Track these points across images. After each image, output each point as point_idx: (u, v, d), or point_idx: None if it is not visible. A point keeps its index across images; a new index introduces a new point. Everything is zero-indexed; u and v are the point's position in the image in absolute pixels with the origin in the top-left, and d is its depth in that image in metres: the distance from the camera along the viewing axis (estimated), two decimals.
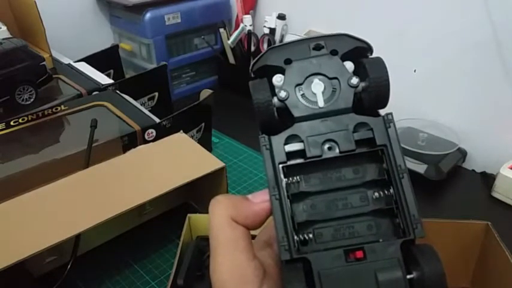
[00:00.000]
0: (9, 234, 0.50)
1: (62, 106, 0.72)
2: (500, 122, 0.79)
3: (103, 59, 0.96)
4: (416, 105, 0.88)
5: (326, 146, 0.23)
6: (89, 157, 0.62)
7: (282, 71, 0.24)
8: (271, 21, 1.08)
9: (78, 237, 0.55)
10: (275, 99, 0.23)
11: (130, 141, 0.67)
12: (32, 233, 0.50)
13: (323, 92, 0.23)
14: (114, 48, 1.01)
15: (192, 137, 0.80)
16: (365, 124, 0.23)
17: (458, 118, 0.84)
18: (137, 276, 0.62)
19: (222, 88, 1.17)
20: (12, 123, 0.68)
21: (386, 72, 0.23)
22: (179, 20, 1.07)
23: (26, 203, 0.55)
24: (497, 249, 0.48)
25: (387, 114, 0.23)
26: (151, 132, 0.69)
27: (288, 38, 1.07)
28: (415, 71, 0.88)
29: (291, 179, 0.23)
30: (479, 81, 0.79)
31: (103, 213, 0.52)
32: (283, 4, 1.09)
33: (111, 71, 0.99)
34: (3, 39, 0.74)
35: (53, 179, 0.58)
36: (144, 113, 0.73)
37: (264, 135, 0.23)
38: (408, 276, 0.20)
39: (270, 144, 0.23)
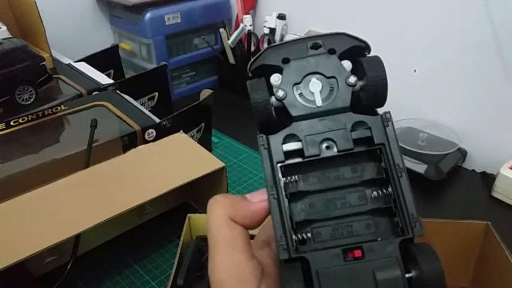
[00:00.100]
0: (9, 234, 0.50)
1: (62, 106, 0.72)
2: (500, 122, 0.79)
3: (103, 59, 0.96)
4: (416, 105, 0.88)
5: (324, 145, 0.23)
6: (89, 157, 0.62)
7: (279, 70, 0.24)
8: (271, 21, 1.08)
9: (78, 237, 0.55)
10: (273, 99, 0.23)
11: (130, 141, 0.67)
12: (32, 233, 0.50)
13: (321, 91, 0.23)
14: (114, 48, 1.01)
15: (192, 137, 0.80)
16: (363, 123, 0.23)
17: (458, 118, 0.84)
18: (137, 276, 0.62)
19: (222, 88, 1.17)
20: (12, 123, 0.68)
21: (384, 70, 0.23)
22: (179, 20, 1.07)
23: (26, 203, 0.55)
24: (497, 249, 0.48)
25: (385, 113, 0.23)
26: (151, 132, 0.69)
27: (288, 38, 1.07)
28: (415, 71, 0.88)
29: (289, 178, 0.23)
30: (479, 81, 0.79)
31: (103, 213, 0.52)
32: (283, 4, 1.09)
33: (111, 71, 0.99)
34: (3, 39, 0.74)
35: (53, 179, 0.58)
36: (144, 113, 0.73)
37: (262, 134, 0.23)
38: (407, 275, 0.20)
39: (268, 144, 0.23)
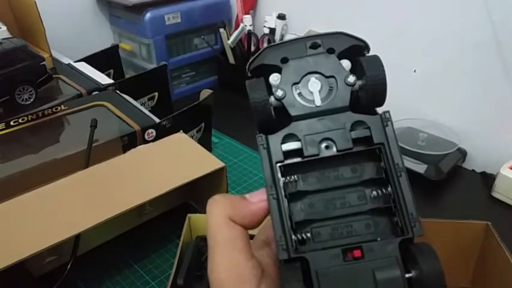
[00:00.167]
0: (9, 234, 0.50)
1: (62, 106, 0.72)
2: (500, 122, 0.79)
3: (103, 59, 0.96)
4: (416, 105, 0.88)
5: (323, 144, 0.23)
6: (88, 157, 0.62)
7: (278, 70, 0.24)
8: (271, 21, 1.08)
9: (78, 237, 0.55)
10: (272, 98, 0.23)
11: (130, 141, 0.67)
12: (32, 233, 0.50)
13: (320, 91, 0.23)
14: (114, 48, 1.01)
15: (192, 137, 0.80)
16: (362, 122, 0.23)
17: (458, 118, 0.84)
18: (137, 276, 0.62)
19: (222, 88, 1.17)
20: (12, 123, 0.68)
21: (383, 70, 0.23)
22: (179, 20, 1.07)
23: (26, 203, 0.55)
24: (497, 249, 0.48)
25: (384, 113, 0.23)
26: (151, 132, 0.69)
27: (288, 38, 1.07)
28: (415, 71, 0.88)
29: (288, 178, 0.23)
30: (479, 81, 0.79)
31: (103, 213, 0.52)
32: (283, 4, 1.09)
33: (111, 71, 0.99)
34: (3, 39, 0.74)
35: (53, 179, 0.58)
36: (144, 113, 0.73)
37: (261, 134, 0.23)
38: (407, 275, 0.20)
39: (267, 143, 0.23)
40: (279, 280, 0.23)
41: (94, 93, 0.78)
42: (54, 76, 0.80)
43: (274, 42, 1.06)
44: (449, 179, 0.78)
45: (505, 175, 0.73)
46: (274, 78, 0.24)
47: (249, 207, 0.23)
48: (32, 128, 0.69)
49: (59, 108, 0.72)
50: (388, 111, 0.23)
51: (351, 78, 0.23)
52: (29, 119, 0.69)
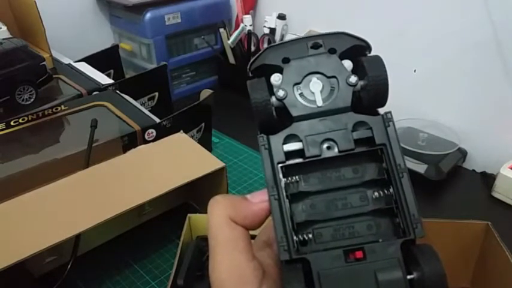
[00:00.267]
0: (9, 234, 0.50)
1: (62, 106, 0.72)
2: (500, 122, 0.79)
3: (103, 59, 0.96)
4: (416, 105, 0.88)
5: (325, 145, 0.23)
6: (88, 157, 0.62)
7: (280, 70, 0.24)
8: (271, 21, 1.08)
9: (78, 237, 0.55)
10: (273, 99, 0.23)
11: (130, 141, 0.67)
12: (32, 233, 0.50)
13: (321, 91, 0.23)
14: (114, 48, 1.01)
15: (192, 137, 0.80)
16: (364, 123, 0.23)
17: (458, 118, 0.84)
18: (137, 276, 0.62)
19: (222, 88, 1.17)
20: (12, 123, 0.68)
21: (385, 70, 0.23)
22: (179, 20, 1.06)
23: (26, 203, 0.55)
24: (497, 249, 0.48)
25: (386, 113, 0.23)
26: (151, 132, 0.69)
27: (288, 38, 1.07)
28: (415, 70, 0.88)
29: (289, 178, 0.22)
30: (479, 81, 0.79)
31: (103, 213, 0.52)
32: (283, 4, 1.09)
33: (111, 71, 0.99)
34: (3, 39, 0.74)
35: (53, 179, 0.58)
36: (144, 113, 0.73)
37: (262, 134, 0.23)
38: (408, 277, 0.20)
39: (269, 144, 0.23)
40: (280, 281, 0.23)
41: (94, 93, 0.78)
42: (54, 76, 0.80)
43: (275, 42, 1.06)
44: (449, 179, 0.78)
45: (505, 175, 0.73)
46: (275, 78, 0.24)
47: (250, 207, 0.23)
48: (32, 128, 0.69)
49: (59, 108, 0.72)
50: (389, 112, 0.23)
51: (353, 79, 0.23)
52: (29, 119, 0.69)
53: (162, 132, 0.70)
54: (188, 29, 1.10)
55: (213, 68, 1.19)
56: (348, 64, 0.24)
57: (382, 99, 0.23)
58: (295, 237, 0.22)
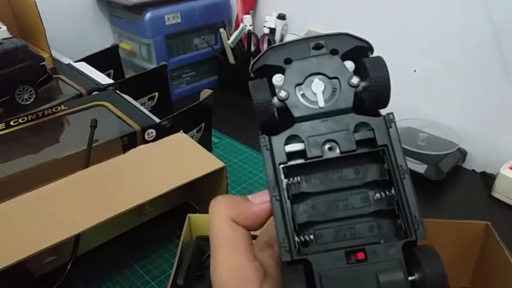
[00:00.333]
0: (9, 234, 0.50)
1: (62, 106, 0.72)
2: (500, 122, 0.79)
3: (103, 59, 0.96)
4: (416, 105, 0.88)
5: (327, 146, 0.23)
6: (89, 157, 0.62)
7: (282, 71, 0.24)
8: (271, 21, 1.08)
9: (78, 237, 0.55)
10: (275, 99, 0.23)
11: (130, 141, 0.67)
12: (32, 233, 0.50)
13: (323, 92, 0.23)
14: (114, 48, 1.01)
15: (192, 137, 0.80)
16: (366, 124, 0.23)
17: (458, 118, 0.84)
18: (137, 276, 0.62)
19: (222, 88, 1.17)
20: (12, 123, 0.68)
21: (387, 71, 0.23)
22: (179, 20, 1.06)
23: (26, 203, 0.55)
24: (497, 249, 0.48)
25: (388, 114, 0.23)
26: (151, 132, 0.69)
27: (288, 38, 1.07)
28: (415, 71, 0.88)
29: (291, 179, 0.22)
30: (479, 81, 0.79)
31: (103, 213, 0.52)
32: (283, 4, 1.09)
33: (111, 71, 0.99)
34: (3, 39, 0.74)
35: (53, 179, 0.58)
36: (144, 113, 0.73)
37: (264, 135, 0.23)
38: (410, 278, 0.20)
39: (271, 145, 0.23)
40: (282, 282, 0.22)
41: (94, 93, 0.78)
42: (54, 76, 0.80)
43: (274, 42, 1.06)
44: (449, 179, 0.78)
45: (505, 175, 0.73)
46: (277, 79, 0.23)
47: (252, 208, 0.23)
48: (32, 128, 0.69)
49: (59, 108, 0.72)
50: (391, 113, 0.23)
51: (355, 80, 0.23)
52: (29, 119, 0.69)
53: (162, 132, 0.70)
54: (188, 29, 1.10)
55: (213, 68, 1.19)
56: (349, 65, 0.24)
57: (384, 100, 0.23)
58: (296, 238, 0.22)
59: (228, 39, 1.09)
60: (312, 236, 0.22)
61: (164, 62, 0.92)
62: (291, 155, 0.23)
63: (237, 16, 1.15)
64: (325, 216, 0.22)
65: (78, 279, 0.61)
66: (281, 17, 1.07)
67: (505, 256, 0.46)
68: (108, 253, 0.64)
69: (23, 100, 0.73)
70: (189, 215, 0.56)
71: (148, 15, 1.01)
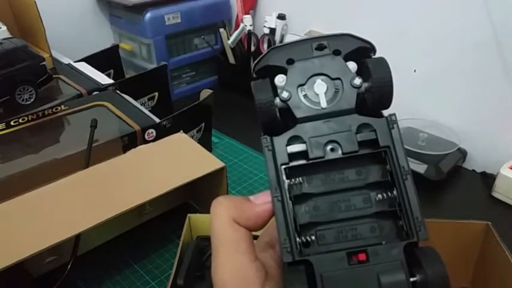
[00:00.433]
0: (9, 234, 0.50)
1: (62, 106, 0.72)
2: (500, 122, 0.79)
3: (103, 59, 0.96)
4: (416, 105, 0.88)
5: (329, 147, 0.22)
6: (89, 157, 0.62)
7: (284, 71, 0.23)
8: (271, 21, 1.08)
9: (78, 237, 0.55)
10: (277, 100, 0.23)
11: (130, 141, 0.67)
12: (32, 233, 0.50)
13: (325, 93, 0.23)
14: (114, 48, 1.01)
15: (192, 137, 0.80)
16: (368, 125, 0.22)
17: (458, 118, 0.84)
18: (137, 276, 0.62)
19: (222, 88, 1.17)
20: (12, 123, 0.68)
21: (390, 72, 0.23)
22: (179, 20, 1.06)
23: (26, 203, 0.55)
24: (497, 249, 0.48)
25: (390, 115, 0.22)
26: (151, 132, 0.69)
27: (288, 38, 1.07)
28: (415, 71, 0.88)
29: (293, 180, 0.22)
30: (479, 81, 0.79)
31: (103, 213, 0.52)
32: (283, 4, 1.09)
33: (111, 71, 0.99)
34: (3, 39, 0.74)
35: (53, 179, 0.58)
36: (144, 113, 0.73)
37: (266, 136, 0.23)
38: (411, 279, 0.20)
39: (272, 145, 0.23)
40: (283, 282, 0.22)
41: (94, 93, 0.78)
42: (54, 76, 0.80)
43: (274, 42, 1.06)
44: (449, 179, 0.78)
45: (505, 175, 0.73)
46: (279, 79, 0.23)
47: (253, 209, 0.23)
48: (32, 128, 0.69)
49: (59, 108, 0.72)
50: (394, 114, 0.22)
51: (357, 81, 0.23)
52: (29, 119, 0.69)
53: (162, 132, 0.70)
54: (188, 29, 1.10)
55: (213, 68, 1.19)
56: (352, 66, 0.23)
57: (387, 101, 0.23)
58: (298, 239, 0.21)
59: (228, 39, 1.09)
60: (313, 237, 0.22)
61: (164, 62, 0.92)
62: (293, 156, 0.23)
63: (237, 16, 1.15)
64: (326, 217, 0.22)
65: (78, 279, 0.61)
66: (281, 17, 1.07)
67: (505, 256, 0.46)
68: (108, 253, 0.64)
69: (23, 100, 0.73)
70: (189, 215, 0.56)
71: (148, 15, 1.01)
